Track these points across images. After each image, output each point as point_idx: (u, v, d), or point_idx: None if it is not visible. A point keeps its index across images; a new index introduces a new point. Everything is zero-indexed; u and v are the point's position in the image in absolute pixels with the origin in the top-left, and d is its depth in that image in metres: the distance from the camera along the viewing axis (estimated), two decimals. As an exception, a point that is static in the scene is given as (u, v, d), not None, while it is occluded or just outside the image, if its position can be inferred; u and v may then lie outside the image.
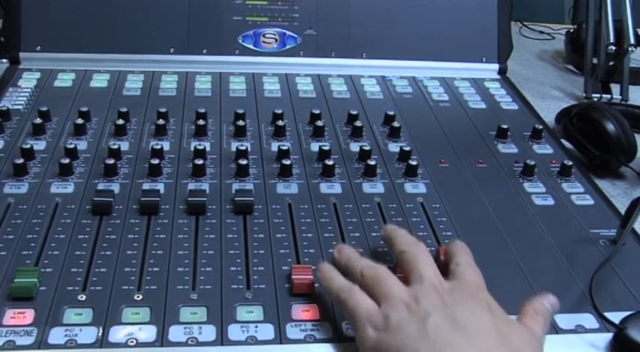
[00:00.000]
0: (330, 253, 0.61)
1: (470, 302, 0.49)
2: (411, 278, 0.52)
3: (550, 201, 0.73)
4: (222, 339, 0.51)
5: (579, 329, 0.55)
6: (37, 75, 0.91)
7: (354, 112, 0.84)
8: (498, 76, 1.03)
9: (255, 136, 0.80)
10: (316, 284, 0.56)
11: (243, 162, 0.72)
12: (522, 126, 0.87)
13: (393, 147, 0.80)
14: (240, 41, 0.98)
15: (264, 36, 0.99)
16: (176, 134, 0.79)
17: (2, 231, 0.61)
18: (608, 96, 1.12)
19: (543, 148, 0.83)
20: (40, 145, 0.75)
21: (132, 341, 0.51)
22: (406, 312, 0.48)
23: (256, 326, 0.53)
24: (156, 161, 0.71)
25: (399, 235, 0.58)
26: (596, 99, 1.11)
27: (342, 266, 0.56)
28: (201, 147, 0.74)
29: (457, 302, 0.49)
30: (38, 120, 0.77)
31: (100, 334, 0.51)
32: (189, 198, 0.66)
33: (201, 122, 0.79)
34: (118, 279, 0.57)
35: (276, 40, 0.99)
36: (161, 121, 0.79)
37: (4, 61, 0.95)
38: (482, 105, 0.93)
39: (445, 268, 0.55)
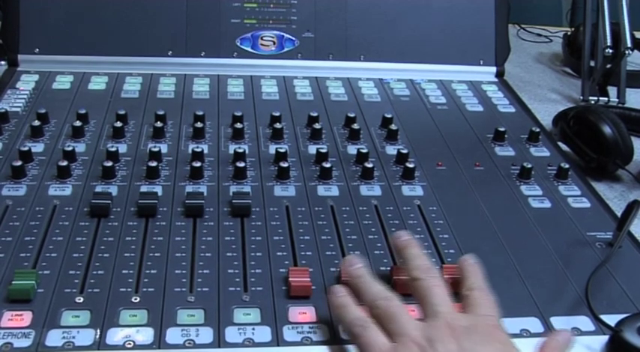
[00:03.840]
0: (327, 256, 0.62)
1: (486, 345, 0.47)
2: (425, 312, 0.51)
3: (547, 204, 0.73)
4: (219, 341, 0.52)
5: (575, 332, 0.55)
6: (36, 77, 0.91)
7: (352, 115, 0.85)
8: (496, 79, 1.03)
9: (253, 139, 0.80)
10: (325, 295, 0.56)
11: (241, 164, 0.72)
12: (519, 128, 0.87)
13: (391, 150, 0.80)
14: (238, 44, 0.98)
15: (262, 39, 0.99)
16: (174, 136, 0.79)
17: (0, 233, 0.61)
18: (605, 99, 1.12)
19: (540, 151, 0.83)
20: (38, 148, 0.75)
21: (129, 344, 0.51)
22: None
23: (253, 329, 0.53)
24: (154, 163, 0.71)
25: (413, 257, 0.56)
26: (593, 102, 1.11)
27: (352, 284, 0.55)
28: (199, 150, 0.74)
29: (473, 347, 0.47)
30: (36, 123, 0.77)
31: (98, 336, 0.51)
32: (186, 201, 0.66)
33: (199, 124, 0.79)
34: (116, 282, 0.57)
35: (274, 43, 0.99)
36: (159, 124, 0.79)
37: (3, 63, 0.95)
38: (480, 108, 0.94)
39: (454, 288, 0.55)
